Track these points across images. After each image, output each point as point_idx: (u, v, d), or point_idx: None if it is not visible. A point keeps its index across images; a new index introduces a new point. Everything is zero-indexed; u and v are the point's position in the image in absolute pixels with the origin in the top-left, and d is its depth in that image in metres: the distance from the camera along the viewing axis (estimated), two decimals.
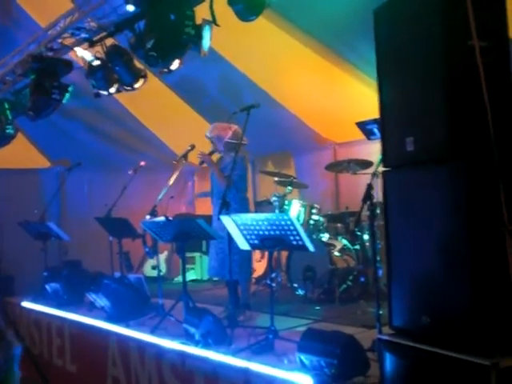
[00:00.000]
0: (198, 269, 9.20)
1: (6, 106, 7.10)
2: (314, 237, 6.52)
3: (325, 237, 6.59)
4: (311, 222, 6.74)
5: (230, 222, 4.38)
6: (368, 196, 3.89)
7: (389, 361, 3.02)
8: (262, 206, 7.98)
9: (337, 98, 6.95)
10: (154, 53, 4.28)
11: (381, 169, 3.27)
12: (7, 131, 7.17)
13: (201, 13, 4.63)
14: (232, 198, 5.30)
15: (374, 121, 5.56)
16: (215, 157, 5.93)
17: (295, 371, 3.57)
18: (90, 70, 5.63)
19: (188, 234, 5.21)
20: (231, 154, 5.52)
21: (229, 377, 4.01)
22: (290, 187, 7.18)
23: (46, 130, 8.67)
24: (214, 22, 4.46)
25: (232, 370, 3.99)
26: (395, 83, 3.06)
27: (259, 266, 7.86)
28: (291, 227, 4.12)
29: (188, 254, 8.47)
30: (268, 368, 3.74)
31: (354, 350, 3.48)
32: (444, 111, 2.71)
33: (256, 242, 4.42)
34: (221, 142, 5.76)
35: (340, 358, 3.35)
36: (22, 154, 9.08)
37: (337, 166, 6.87)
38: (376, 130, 5.67)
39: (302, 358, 3.61)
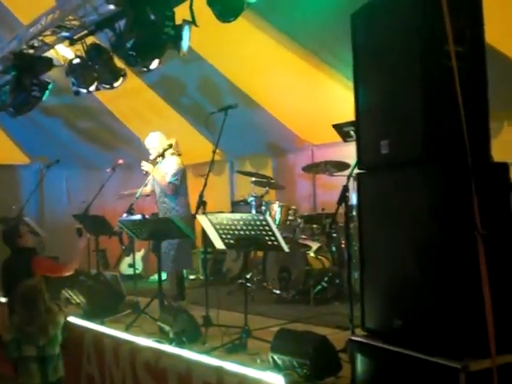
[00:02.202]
0: None
1: None
2: (290, 237, 6.57)
3: (301, 238, 6.64)
4: (288, 222, 6.79)
5: (205, 221, 4.42)
6: (343, 198, 3.95)
7: (360, 362, 3.06)
8: (238, 206, 8.02)
9: (315, 100, 7.01)
10: (133, 52, 4.31)
11: (356, 171, 3.31)
12: None
13: (181, 13, 4.66)
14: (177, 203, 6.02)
15: (351, 123, 5.60)
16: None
17: (268, 371, 3.59)
18: (70, 68, 5.64)
19: (163, 233, 5.26)
20: (168, 162, 6.09)
21: (202, 375, 4.01)
22: (266, 188, 7.23)
23: (26, 127, 8.64)
24: (193, 22, 4.49)
25: (205, 368, 4.00)
26: (371, 86, 3.10)
27: (235, 266, 7.89)
28: (266, 227, 4.16)
29: None
30: (241, 367, 3.76)
31: (326, 351, 3.51)
32: (419, 114, 2.74)
33: (231, 241, 4.46)
34: (159, 150, 6.15)
35: (312, 358, 3.38)
36: (1, 149, 9.05)
37: (314, 168, 6.93)
38: (352, 133, 5.73)
39: (275, 357, 3.64)
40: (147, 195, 6.56)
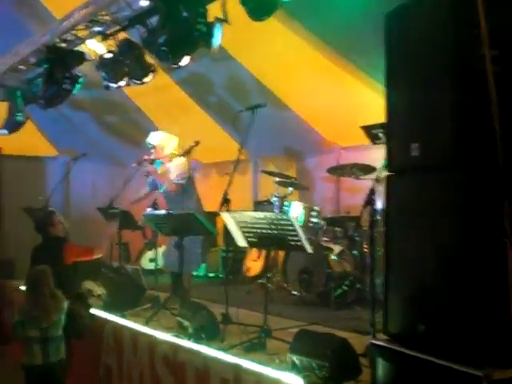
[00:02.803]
0: None
1: (18, 93, 7.19)
2: (313, 239, 6.55)
3: (323, 240, 6.62)
4: (310, 224, 6.77)
5: (229, 219, 4.43)
6: (369, 200, 3.92)
7: (381, 366, 3.03)
8: (261, 205, 8.03)
9: (343, 101, 6.97)
10: (165, 48, 4.34)
11: (384, 174, 3.29)
12: (17, 118, 7.26)
13: (213, 11, 4.68)
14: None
15: (380, 125, 5.56)
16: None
17: (286, 371, 3.59)
18: (102, 63, 5.69)
19: (187, 228, 5.28)
20: (172, 162, 6.07)
21: (220, 371, 4.03)
22: (291, 188, 7.22)
23: (55, 120, 8.75)
24: (225, 20, 4.50)
25: (223, 365, 4.01)
26: (403, 88, 3.07)
27: (255, 266, 7.90)
28: (290, 227, 4.15)
29: None
30: (259, 366, 3.77)
31: (347, 354, 3.49)
32: (451, 118, 2.72)
33: (254, 239, 4.45)
34: (163, 150, 6.16)
35: (332, 360, 3.37)
36: (31, 141, 9.16)
37: (339, 170, 6.89)
38: (381, 135, 5.69)
39: (294, 358, 3.62)
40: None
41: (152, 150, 6.24)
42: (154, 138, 6.25)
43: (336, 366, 3.38)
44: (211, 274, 8.96)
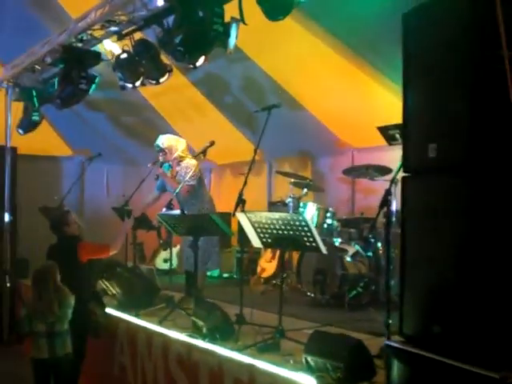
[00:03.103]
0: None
1: (34, 93, 7.22)
2: (327, 240, 6.53)
3: (338, 241, 6.60)
4: (325, 225, 6.75)
5: (244, 219, 4.42)
6: (385, 202, 3.89)
7: (396, 367, 3.01)
8: (276, 206, 8.02)
9: (359, 102, 6.94)
10: (181, 48, 4.33)
11: (400, 175, 3.27)
12: (33, 118, 7.29)
13: (229, 11, 4.68)
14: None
15: (397, 126, 5.53)
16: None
17: (300, 372, 3.58)
18: (118, 63, 5.70)
19: (202, 229, 5.28)
20: (182, 164, 6.12)
21: (234, 372, 4.04)
22: (305, 189, 7.20)
23: (71, 120, 8.80)
24: (242, 20, 4.49)
25: (237, 365, 4.02)
26: (420, 89, 3.05)
27: (270, 267, 7.90)
28: (305, 228, 4.15)
29: None
30: (273, 366, 3.76)
31: (362, 355, 3.48)
32: (469, 119, 2.70)
33: (269, 240, 4.45)
34: (172, 153, 6.17)
35: (347, 361, 3.36)
36: (46, 141, 9.22)
37: (355, 171, 6.87)
38: (398, 136, 5.66)
39: (308, 359, 3.61)
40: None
41: (160, 153, 6.27)
42: (161, 141, 6.27)
43: (350, 367, 3.37)
44: (225, 275, 8.97)
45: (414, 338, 2.96)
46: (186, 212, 5.95)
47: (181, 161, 6.22)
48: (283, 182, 8.04)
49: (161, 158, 6.26)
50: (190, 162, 6.16)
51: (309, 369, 3.61)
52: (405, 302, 3.04)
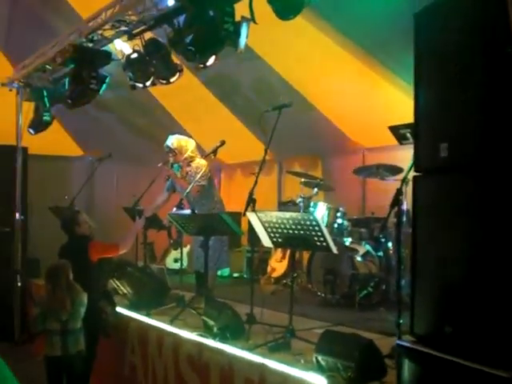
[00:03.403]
0: None
1: (45, 93, 7.24)
2: (338, 240, 6.51)
3: (348, 241, 6.58)
4: (335, 225, 6.74)
5: (255, 219, 4.42)
6: (396, 201, 3.88)
7: (407, 367, 3.00)
8: (286, 206, 8.01)
9: (369, 101, 6.92)
10: (192, 48, 4.33)
11: (411, 175, 3.26)
12: (44, 118, 7.31)
13: (239, 10, 4.67)
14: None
15: (408, 125, 5.51)
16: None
17: (311, 371, 3.58)
18: (128, 63, 5.71)
19: (212, 229, 5.28)
20: (192, 164, 6.13)
21: (244, 371, 4.03)
22: (316, 189, 7.19)
23: (81, 120, 8.84)
24: (252, 19, 4.48)
25: (248, 364, 4.01)
26: (432, 88, 3.04)
27: (280, 266, 7.89)
28: (316, 227, 4.14)
29: None
30: (284, 366, 3.76)
31: (372, 355, 3.48)
32: (481, 118, 2.68)
33: (280, 240, 4.45)
34: (182, 153, 6.18)
35: (357, 361, 3.36)
36: (57, 141, 9.25)
37: (365, 171, 6.84)
38: (409, 135, 5.63)
39: (319, 358, 3.61)
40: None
41: (170, 154, 6.27)
42: (171, 142, 6.28)
43: (361, 366, 3.37)
44: (236, 274, 8.98)
45: (426, 337, 2.94)
46: (196, 212, 5.94)
47: (191, 161, 6.23)
48: (293, 182, 8.03)
49: (171, 159, 6.26)
50: (200, 162, 6.17)
51: (319, 368, 3.61)
52: (416, 302, 3.02)
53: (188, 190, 5.80)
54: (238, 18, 4.58)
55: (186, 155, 6.22)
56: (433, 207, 2.97)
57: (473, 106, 2.74)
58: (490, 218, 2.62)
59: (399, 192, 3.72)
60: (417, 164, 3.12)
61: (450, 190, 2.87)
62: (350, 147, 8.23)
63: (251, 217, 4.43)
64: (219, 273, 9.10)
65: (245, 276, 8.76)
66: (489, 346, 2.56)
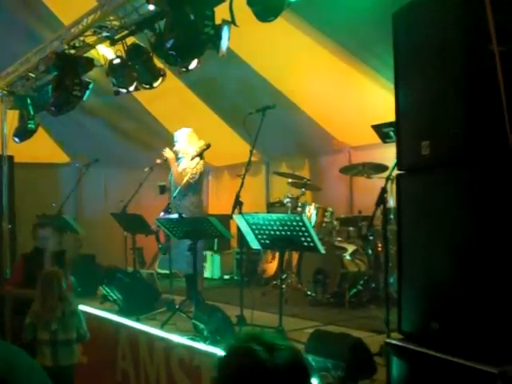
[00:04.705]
0: (209, 267, 9.25)
1: (29, 101, 7.19)
2: (326, 240, 6.53)
3: (337, 240, 6.59)
4: (323, 224, 6.75)
5: (241, 221, 4.43)
6: (381, 199, 3.89)
7: (396, 365, 3.02)
8: (274, 207, 8.03)
9: (353, 100, 6.95)
10: (173, 52, 4.33)
11: (395, 172, 3.27)
12: (29, 126, 7.26)
13: (220, 13, 4.68)
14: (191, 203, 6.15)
15: (390, 124, 5.52)
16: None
17: None
18: (111, 68, 5.70)
19: (200, 232, 5.28)
20: (193, 161, 6.11)
21: None
22: (303, 189, 7.20)
23: (67, 127, 8.78)
24: (233, 22, 4.49)
25: None
26: (412, 86, 3.06)
27: (270, 267, 7.89)
28: (303, 228, 4.16)
29: None
30: None
31: (362, 353, 3.50)
32: (461, 115, 2.70)
33: (267, 241, 4.46)
34: (190, 148, 6.25)
35: (347, 360, 3.38)
36: (43, 149, 9.19)
37: (351, 170, 6.87)
38: (392, 134, 5.63)
39: (309, 358, 3.61)
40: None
41: (176, 144, 6.40)
42: (180, 134, 6.47)
43: (351, 365, 3.39)
44: (226, 277, 8.97)
45: (413, 335, 2.96)
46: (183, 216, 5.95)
47: (193, 158, 6.21)
48: (281, 182, 8.04)
49: (175, 148, 6.38)
50: (197, 161, 6.17)
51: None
52: (403, 300, 3.04)
53: (173, 177, 6.03)
54: (218, 21, 4.58)
55: (190, 149, 6.25)
56: (417, 205, 2.99)
57: (453, 103, 2.76)
58: (475, 213, 2.64)
59: (384, 190, 3.74)
60: (399, 162, 3.13)
61: (433, 187, 2.89)
62: (335, 146, 8.25)
63: (238, 219, 4.44)
64: (206, 275, 9.14)
65: (235, 278, 8.75)
66: (477, 342, 2.57)
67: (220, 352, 4.22)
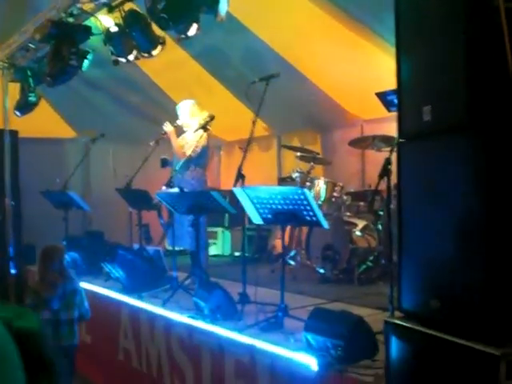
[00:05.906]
0: (220, 244, 9.12)
1: (29, 73, 7.02)
2: (336, 215, 6.32)
3: (346, 215, 6.39)
4: (333, 199, 6.54)
5: (242, 195, 4.24)
6: (385, 171, 3.69)
7: (394, 344, 2.84)
8: (285, 182, 7.83)
9: (364, 71, 6.70)
10: (164, 15, 4.11)
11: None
12: (29, 99, 7.10)
13: None
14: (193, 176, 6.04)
15: (395, 91, 5.26)
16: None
17: (301, 351, 3.46)
18: (108, 37, 5.50)
19: (202, 207, 5.12)
20: (195, 134, 5.96)
21: (234, 353, 3.95)
22: (312, 163, 6.98)
23: (72, 101, 8.65)
24: None
25: (238, 346, 3.93)
26: (414, 50, 2.83)
27: (279, 244, 7.71)
28: (304, 202, 3.97)
29: (210, 229, 8.37)
30: (273, 346, 3.65)
31: (362, 332, 3.35)
32: (464, 77, 2.47)
33: (269, 216, 4.29)
34: (192, 121, 6.10)
35: (347, 339, 3.23)
36: (48, 123, 9.05)
37: (361, 142, 6.63)
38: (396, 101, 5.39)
39: (309, 337, 3.49)
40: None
41: (180, 117, 6.25)
42: (182, 106, 6.29)
43: (351, 344, 3.25)
44: (237, 253, 8.83)
45: (414, 313, 2.77)
46: (181, 184, 5.77)
47: (196, 131, 6.04)
48: (293, 158, 7.83)
49: (178, 121, 6.22)
50: (200, 134, 5.98)
51: (309, 347, 3.48)
52: (403, 276, 2.85)
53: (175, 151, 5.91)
54: None
55: (193, 121, 6.11)
56: (417, 175, 2.78)
57: (456, 65, 2.53)
58: (478, 184, 2.43)
59: (388, 162, 3.53)
60: (400, 130, 2.91)
61: (435, 155, 2.67)
62: (348, 120, 8.02)
63: (238, 193, 4.26)
64: (216, 252, 9.01)
65: (246, 254, 8.60)
66: (479, 322, 2.39)
67: (219, 331, 4.10)
